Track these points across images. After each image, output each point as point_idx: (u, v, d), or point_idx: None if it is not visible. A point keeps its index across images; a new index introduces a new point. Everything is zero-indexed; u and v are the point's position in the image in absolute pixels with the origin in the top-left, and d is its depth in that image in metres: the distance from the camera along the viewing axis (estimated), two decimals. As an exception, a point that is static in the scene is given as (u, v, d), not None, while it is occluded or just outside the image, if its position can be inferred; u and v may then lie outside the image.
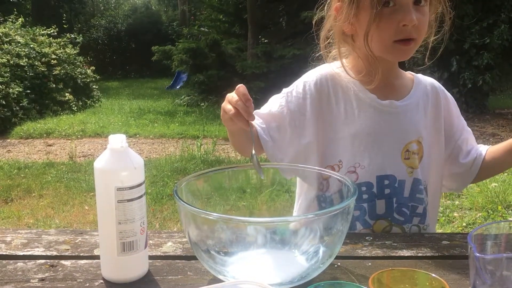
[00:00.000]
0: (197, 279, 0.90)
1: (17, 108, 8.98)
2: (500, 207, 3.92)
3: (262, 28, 11.74)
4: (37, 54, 10.43)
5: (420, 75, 1.32)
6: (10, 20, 11.30)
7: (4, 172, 5.61)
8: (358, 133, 1.18)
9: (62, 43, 11.73)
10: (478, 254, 0.70)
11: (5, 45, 9.84)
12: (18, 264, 0.95)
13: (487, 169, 1.27)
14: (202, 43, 11.28)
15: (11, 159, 6.48)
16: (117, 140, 0.86)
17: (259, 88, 9.57)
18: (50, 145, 7.45)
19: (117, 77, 20.61)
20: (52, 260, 0.97)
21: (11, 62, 9.48)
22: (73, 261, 0.97)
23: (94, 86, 12.11)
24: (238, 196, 1.09)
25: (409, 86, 1.27)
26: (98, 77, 12.65)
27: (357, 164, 1.17)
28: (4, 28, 10.61)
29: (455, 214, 3.95)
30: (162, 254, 1.00)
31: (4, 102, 8.54)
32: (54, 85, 10.30)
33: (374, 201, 1.17)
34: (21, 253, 1.00)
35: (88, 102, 11.47)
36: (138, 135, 7.97)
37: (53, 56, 10.80)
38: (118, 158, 0.86)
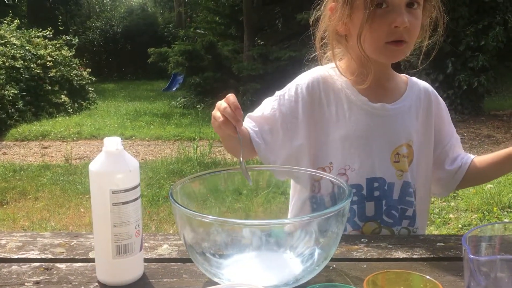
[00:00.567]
0: (192, 281, 0.90)
1: (13, 110, 8.95)
2: (495, 208, 3.93)
3: (258, 30, 11.76)
4: (32, 56, 10.41)
5: (414, 78, 1.32)
6: (6, 22, 11.28)
7: (-1, 175, 5.60)
8: (349, 135, 1.19)
9: (57, 45, 11.71)
10: (472, 256, 0.70)
11: (1, 47, 9.82)
12: (13, 267, 0.95)
13: (470, 178, 1.29)
14: (198, 45, 11.28)
15: (7, 161, 6.46)
16: (112, 143, 0.86)
17: (255, 90, 9.58)
18: (45, 147, 7.42)
19: (113, 79, 20.58)
20: (47, 263, 0.97)
21: (7, 64, 9.45)
22: (68, 264, 0.97)
23: (90, 88, 12.09)
24: (234, 198, 1.09)
25: (402, 89, 1.27)
26: (94, 79, 12.63)
27: (347, 167, 1.17)
28: (0, 30, 10.58)
29: (451, 215, 3.96)
30: (157, 257, 1.00)
31: (-1, 104, 8.53)
32: (49, 87, 10.28)
33: (364, 203, 1.18)
34: (16, 256, 1.00)
35: (84, 104, 11.45)
36: (134, 137, 7.96)
37: (49, 58, 10.78)
38: (113, 160, 0.86)
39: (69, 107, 10.57)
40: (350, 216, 1.18)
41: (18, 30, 11.23)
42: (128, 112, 10.72)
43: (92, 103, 11.80)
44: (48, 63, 10.65)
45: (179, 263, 0.97)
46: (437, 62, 8.25)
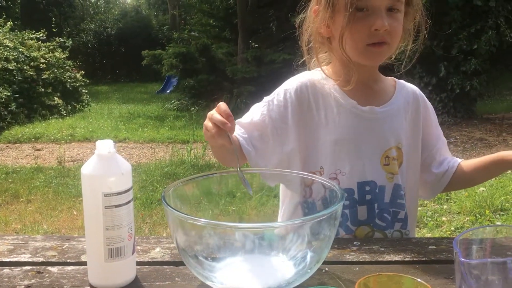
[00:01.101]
0: (185, 285, 0.89)
1: (5, 112, 8.91)
2: (487, 211, 3.95)
3: (252, 33, 11.77)
4: (26, 58, 10.37)
5: (402, 81, 1.33)
6: (-1, 23, 11.23)
7: (-9, 177, 5.56)
8: (339, 139, 1.19)
9: (51, 47, 11.68)
10: (463, 259, 0.71)
11: (-6, 49, 9.79)
12: (4, 270, 0.95)
13: (456, 182, 1.30)
14: (192, 48, 11.28)
15: (-1, 163, 6.42)
16: (104, 146, 0.86)
17: (249, 93, 9.59)
18: (38, 150, 7.39)
19: (107, 81, 20.53)
20: (38, 267, 0.96)
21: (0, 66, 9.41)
22: (60, 267, 0.96)
23: (83, 90, 12.06)
24: (228, 201, 1.09)
25: (391, 92, 1.28)
26: (87, 81, 12.59)
27: (338, 171, 1.18)
28: (-7, 32, 10.54)
29: (444, 218, 3.97)
30: (150, 260, 1.00)
31: (-8, 106, 8.49)
32: (43, 89, 10.24)
33: (356, 207, 1.18)
34: (7, 260, 0.99)
35: (77, 106, 11.40)
36: (127, 140, 7.94)
37: (42, 60, 10.74)
38: (106, 164, 0.86)
39: (62, 109, 10.53)
40: (342, 220, 1.18)
41: (11, 32, 11.18)
42: (122, 115, 10.69)
43: (86, 106, 11.76)
44: (41, 65, 10.61)
45: (171, 266, 0.97)
46: (430, 66, 8.29)
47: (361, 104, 1.20)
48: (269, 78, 9.66)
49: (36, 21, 17.73)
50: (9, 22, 11.41)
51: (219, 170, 1.08)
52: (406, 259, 1.01)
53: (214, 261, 0.86)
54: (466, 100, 8.39)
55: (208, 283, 0.85)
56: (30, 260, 0.99)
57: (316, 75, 1.23)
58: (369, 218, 1.19)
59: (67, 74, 11.52)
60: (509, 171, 5.19)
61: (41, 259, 1.00)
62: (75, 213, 4.35)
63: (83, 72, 12.60)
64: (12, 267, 0.96)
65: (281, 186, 1.25)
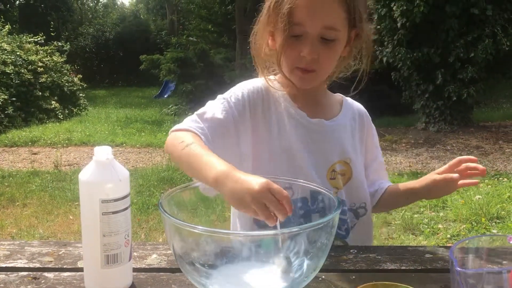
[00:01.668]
0: (181, 292, 0.89)
1: (2, 115, 8.89)
2: (484, 219, 3.96)
3: (250, 39, 11.79)
4: (23, 61, 10.36)
5: (349, 99, 1.33)
6: (-3, 27, 11.24)
7: (-13, 181, 5.54)
8: (291, 148, 1.18)
9: (49, 50, 11.68)
10: (459, 269, 0.71)
11: (-9, 52, 9.78)
12: (0, 276, 0.94)
13: (383, 204, 1.33)
14: (190, 53, 11.30)
15: (-5, 167, 6.40)
16: (102, 152, 0.86)
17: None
18: (35, 154, 7.37)
19: (105, 86, 20.53)
20: (35, 272, 0.96)
21: (-3, 69, 9.41)
22: (56, 273, 0.96)
23: (81, 94, 12.05)
24: (225, 206, 1.09)
25: (338, 107, 1.29)
26: (85, 85, 12.59)
27: (292, 180, 1.11)
28: (-9, 35, 10.54)
29: (440, 225, 3.98)
30: (146, 267, 1.00)
31: (-11, 110, 8.47)
32: (40, 93, 10.23)
33: (310, 216, 1.14)
34: (3, 265, 0.99)
35: (75, 110, 11.39)
36: (124, 144, 7.93)
37: (40, 64, 10.74)
38: (103, 170, 0.86)
39: (60, 113, 10.51)
40: None
41: (9, 36, 11.18)
42: (119, 119, 10.68)
43: (83, 110, 11.76)
44: (39, 68, 10.61)
45: (168, 273, 0.97)
46: (427, 73, 8.33)
47: (310, 116, 1.21)
48: (267, 84, 9.67)
49: (34, 25, 17.76)
50: (7, 26, 11.41)
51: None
52: (403, 268, 1.01)
53: (211, 268, 0.86)
54: (463, 108, 8.42)
55: (205, 290, 0.85)
56: (26, 265, 0.99)
57: (269, 82, 1.23)
58: None
59: (64, 78, 11.52)
60: (505, 179, 5.20)
61: (38, 265, 0.99)
62: (71, 217, 4.33)
63: (81, 76, 12.60)
64: (8, 273, 0.96)
65: None
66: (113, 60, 21.88)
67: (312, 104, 1.23)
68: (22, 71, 10.07)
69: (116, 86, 20.87)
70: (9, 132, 8.61)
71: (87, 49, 22.15)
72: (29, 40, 11.52)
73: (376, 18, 8.57)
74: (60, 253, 1.05)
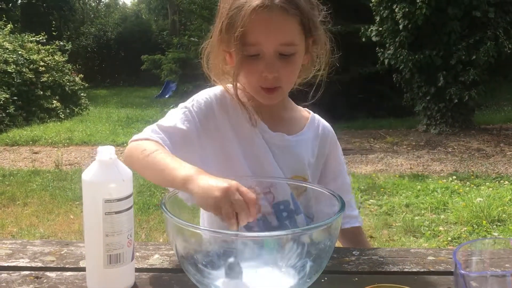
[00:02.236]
0: (183, 292, 0.89)
1: (3, 114, 8.90)
2: (484, 222, 3.96)
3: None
4: (25, 60, 10.37)
5: (317, 116, 1.30)
6: (-1, 26, 11.25)
7: (-12, 180, 5.55)
8: (258, 157, 1.16)
9: (50, 50, 11.70)
10: (463, 271, 0.71)
11: (-7, 51, 9.79)
12: (2, 275, 0.94)
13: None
14: (192, 53, 11.32)
15: (-4, 166, 6.41)
16: (105, 152, 0.86)
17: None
18: (36, 153, 7.37)
19: (106, 85, 20.55)
20: (37, 272, 0.96)
21: (-1, 68, 9.42)
22: (58, 272, 0.96)
23: (82, 94, 12.07)
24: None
25: (302, 123, 1.26)
26: (86, 84, 12.61)
27: (270, 184, 1.12)
28: (-7, 34, 10.55)
29: (441, 228, 3.98)
30: (148, 267, 1.00)
31: (-10, 109, 8.48)
32: (41, 92, 10.24)
33: (294, 217, 1.15)
34: (6, 264, 0.99)
35: (76, 110, 11.41)
36: (125, 144, 7.87)
37: (41, 63, 10.75)
38: (107, 170, 0.86)
39: (61, 113, 10.53)
40: None
41: (11, 35, 11.20)
42: (120, 119, 10.69)
43: (84, 109, 11.77)
44: (40, 68, 10.62)
45: (170, 274, 0.97)
46: (429, 75, 8.33)
47: (272, 129, 1.18)
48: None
49: (36, 24, 17.77)
50: (9, 25, 11.43)
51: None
52: (405, 270, 1.01)
53: (214, 269, 0.86)
54: (464, 110, 8.42)
55: (207, 291, 0.85)
56: (28, 265, 0.99)
57: (231, 91, 1.19)
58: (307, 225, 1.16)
59: (66, 78, 11.54)
60: (506, 182, 5.20)
61: (40, 264, 0.99)
62: (72, 217, 4.33)
63: (82, 76, 12.62)
64: (11, 272, 0.96)
65: None
66: (114, 60, 21.91)
67: (275, 117, 1.20)
68: (24, 70, 10.08)
69: (117, 86, 20.89)
70: (10, 131, 8.62)
71: (89, 49, 22.18)
72: (31, 39, 11.53)
73: (378, 20, 8.58)
74: (62, 252, 1.05)
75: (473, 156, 6.83)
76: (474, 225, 3.94)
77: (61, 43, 13.25)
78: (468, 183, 5.26)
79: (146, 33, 22.59)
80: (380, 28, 8.59)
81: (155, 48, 18.44)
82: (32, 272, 0.96)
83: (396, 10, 8.07)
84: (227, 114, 1.18)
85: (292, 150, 1.20)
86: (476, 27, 7.87)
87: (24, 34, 11.79)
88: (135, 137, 1.10)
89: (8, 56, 9.93)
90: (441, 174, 5.84)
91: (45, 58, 11.08)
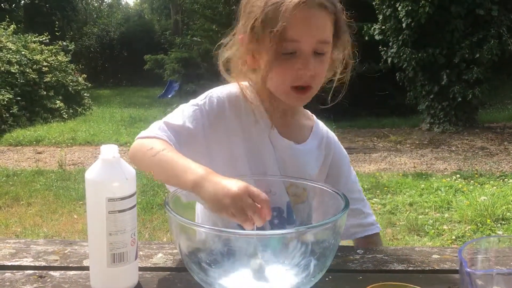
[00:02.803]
0: (187, 291, 0.89)
1: (7, 115, 8.92)
2: (489, 220, 3.94)
3: (254, 39, 11.79)
4: (28, 61, 10.40)
5: (320, 124, 1.28)
6: (2, 26, 11.27)
7: (-8, 180, 5.56)
8: (263, 162, 1.15)
9: (54, 50, 11.72)
10: (469, 270, 0.70)
11: (-4, 52, 9.82)
12: (6, 274, 0.94)
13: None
14: (194, 53, 11.33)
15: (0, 166, 6.42)
16: (109, 151, 0.86)
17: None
18: (39, 153, 7.39)
19: (109, 85, 20.58)
20: (40, 271, 0.96)
21: (2, 68, 9.44)
22: (62, 272, 0.96)
23: (85, 94, 12.09)
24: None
25: (308, 131, 1.24)
26: (89, 85, 12.63)
27: (268, 190, 1.08)
28: (-4, 34, 10.58)
29: (445, 227, 3.96)
30: (152, 266, 0.99)
31: (-7, 109, 8.50)
32: (45, 93, 10.26)
33: (285, 227, 1.12)
34: (9, 263, 0.99)
35: (79, 110, 11.43)
36: (128, 144, 7.93)
37: (45, 63, 10.77)
38: (110, 169, 0.85)
39: (64, 113, 10.54)
40: None
41: (14, 35, 11.22)
42: (123, 119, 10.70)
43: (87, 109, 11.79)
44: (43, 68, 10.64)
45: (174, 272, 0.96)
46: (432, 74, 8.30)
47: (282, 135, 1.17)
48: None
49: (39, 25, 17.81)
50: (12, 25, 11.44)
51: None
52: (410, 268, 1.00)
53: (217, 267, 0.86)
54: (468, 109, 8.40)
55: (211, 290, 0.84)
56: (32, 264, 0.99)
57: (244, 90, 1.17)
58: None
59: (69, 78, 11.56)
60: (510, 180, 5.18)
61: (43, 263, 0.99)
62: (75, 216, 4.34)
63: (85, 76, 12.64)
64: (14, 271, 0.95)
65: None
66: (117, 60, 21.94)
67: (286, 123, 1.19)
68: (27, 70, 10.11)
69: (120, 85, 20.92)
70: (14, 131, 8.64)
71: (92, 49, 22.21)
72: (34, 39, 11.56)
73: (381, 18, 8.56)
74: (66, 251, 1.05)
75: (477, 154, 6.81)
76: (478, 224, 3.93)
77: (64, 43, 13.27)
78: (472, 181, 5.24)
79: (149, 33, 22.61)
80: (383, 27, 8.58)
81: (158, 48, 18.46)
82: (36, 271, 0.96)
83: (399, 9, 8.05)
84: (239, 116, 1.15)
85: (298, 159, 1.18)
86: (480, 25, 7.85)
87: (27, 35, 11.81)
88: (141, 134, 1.09)
89: (11, 56, 9.95)
90: (445, 173, 5.82)
91: (48, 58, 11.10)
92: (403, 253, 1.08)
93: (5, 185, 5.38)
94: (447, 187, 4.96)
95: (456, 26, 7.80)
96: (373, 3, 8.62)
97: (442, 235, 3.81)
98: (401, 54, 8.30)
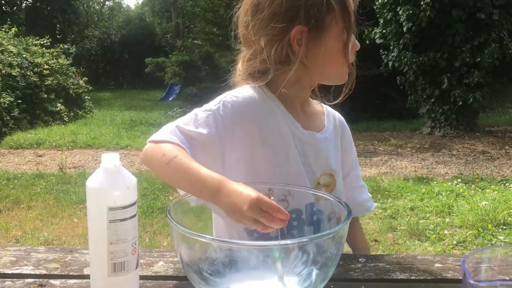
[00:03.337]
0: (188, 301, 0.88)
1: (8, 118, 8.93)
2: (490, 225, 3.93)
3: (255, 42, 11.79)
4: (29, 64, 10.41)
5: (328, 107, 1.29)
6: (3, 29, 11.29)
7: (-8, 183, 5.56)
8: (284, 162, 1.14)
9: (55, 53, 11.73)
10: (472, 281, 0.70)
11: (-2, 55, 9.83)
12: (6, 283, 0.94)
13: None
14: (195, 56, 11.32)
15: (0, 169, 6.42)
16: (110, 160, 0.85)
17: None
18: (40, 156, 7.39)
19: (110, 88, 20.61)
20: (41, 279, 0.95)
21: (3, 71, 9.45)
22: (63, 280, 0.95)
23: (86, 97, 12.10)
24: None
25: (322, 118, 1.26)
26: (90, 87, 12.65)
27: (287, 192, 1.09)
28: (-3, 37, 10.60)
29: (446, 231, 3.95)
30: (153, 274, 0.99)
31: (-6, 112, 8.51)
32: (45, 95, 10.28)
33: (304, 228, 1.12)
34: (10, 272, 0.98)
35: (80, 112, 11.44)
36: (129, 147, 7.94)
37: (46, 66, 10.79)
38: (111, 177, 0.85)
39: (65, 116, 10.55)
40: None
41: (15, 38, 11.24)
42: (124, 122, 10.71)
43: (88, 112, 11.80)
44: (44, 71, 10.65)
45: (175, 281, 0.96)
46: (433, 78, 8.31)
47: (304, 127, 1.17)
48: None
49: (40, 28, 17.86)
50: (13, 28, 11.47)
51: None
52: (412, 277, 1.00)
53: (219, 277, 0.85)
54: (469, 113, 8.40)
55: (212, 299, 0.84)
56: (32, 272, 0.98)
57: (260, 92, 1.15)
58: None
59: (70, 81, 11.57)
60: (511, 185, 5.17)
61: (44, 272, 0.99)
62: (75, 220, 4.34)
63: (86, 79, 12.66)
64: (15, 279, 0.95)
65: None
66: (118, 63, 21.98)
67: (303, 114, 1.19)
68: (28, 73, 10.12)
69: (121, 88, 20.94)
70: (14, 134, 8.64)
71: (93, 52, 22.25)
72: (35, 42, 11.58)
73: (382, 22, 8.57)
74: (66, 259, 1.05)
75: (478, 158, 6.80)
76: (480, 229, 3.92)
77: (65, 46, 13.30)
78: (473, 186, 5.23)
79: (150, 36, 22.65)
80: (384, 30, 8.58)
81: (159, 51, 18.49)
82: (36, 279, 0.95)
83: (400, 13, 8.06)
84: (257, 117, 1.13)
85: (322, 147, 1.19)
86: (481, 29, 7.85)
87: (29, 38, 11.84)
88: (153, 137, 1.07)
89: (12, 59, 9.96)
90: (446, 177, 5.81)
91: (49, 61, 11.11)
92: (405, 261, 1.08)
93: (6, 188, 5.38)
94: (448, 192, 4.95)
95: (457, 30, 7.80)
96: (374, 7, 8.63)
97: (443, 240, 3.80)
98: (402, 58, 8.30)
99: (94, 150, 7.74)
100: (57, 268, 1.01)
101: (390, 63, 8.56)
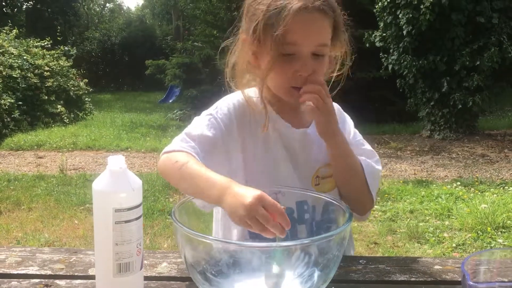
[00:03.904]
0: (192, 301, 0.90)
1: (8, 119, 8.94)
2: (489, 228, 3.94)
3: (255, 45, 11.81)
4: (30, 65, 10.42)
5: None
6: (4, 31, 11.31)
7: (-7, 184, 5.57)
8: (277, 160, 1.19)
9: (55, 55, 11.75)
10: (471, 283, 0.71)
11: (-2, 56, 9.84)
12: (12, 283, 0.95)
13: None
14: (195, 58, 11.34)
15: (1, 171, 6.43)
16: (116, 162, 0.87)
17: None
18: (40, 158, 7.40)
19: (110, 90, 20.61)
20: (46, 280, 0.97)
21: (4, 73, 9.46)
22: (68, 280, 0.97)
23: (86, 99, 12.11)
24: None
25: None
26: (90, 89, 12.66)
27: (277, 191, 1.12)
28: (-2, 39, 10.62)
29: (445, 234, 3.97)
30: (157, 275, 1.00)
31: (-5, 113, 8.52)
32: (46, 97, 10.28)
33: (296, 227, 1.15)
34: (16, 272, 1.00)
35: (80, 114, 11.45)
36: (129, 149, 7.95)
37: (46, 68, 10.80)
38: (117, 179, 0.86)
39: (65, 117, 10.56)
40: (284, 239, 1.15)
41: (16, 40, 11.26)
42: (124, 123, 10.72)
43: (88, 114, 11.81)
44: (45, 73, 10.67)
45: (178, 282, 0.97)
46: (433, 81, 8.32)
47: (294, 126, 1.21)
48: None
49: (41, 29, 17.87)
50: (14, 30, 11.49)
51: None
52: (412, 279, 1.01)
53: (222, 278, 0.87)
54: (468, 116, 8.41)
55: (216, 300, 0.85)
56: (38, 272, 1.00)
57: (251, 95, 1.21)
58: (308, 236, 1.16)
59: (70, 82, 11.58)
60: (511, 188, 5.18)
61: (49, 272, 1.00)
62: (76, 222, 4.34)
63: (87, 81, 12.67)
64: (21, 280, 0.96)
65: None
66: (118, 65, 21.98)
67: (293, 113, 1.22)
68: (29, 75, 10.13)
69: (121, 90, 20.96)
70: (15, 136, 8.65)
71: (93, 54, 22.27)
72: (36, 44, 11.59)
73: (382, 25, 8.59)
74: (71, 260, 1.06)
75: (477, 162, 6.82)
76: (479, 232, 3.93)
77: (66, 48, 13.30)
78: (472, 189, 5.24)
79: (150, 38, 22.68)
80: (384, 34, 8.60)
81: (159, 53, 18.52)
82: (42, 280, 0.97)
83: (400, 16, 8.08)
84: (247, 120, 1.20)
85: (315, 141, 1.21)
86: (480, 33, 7.87)
87: (29, 39, 11.85)
88: (166, 148, 1.12)
89: (13, 61, 9.98)
90: (445, 180, 5.82)
91: (50, 63, 11.13)
92: (405, 263, 1.09)
93: (6, 189, 5.39)
94: (448, 195, 4.97)
95: (456, 33, 7.82)
96: (374, 11, 8.65)
97: (443, 242, 3.82)
98: (402, 61, 8.32)
99: (94, 152, 7.75)
100: (62, 268, 1.02)
101: (390, 66, 8.58)
